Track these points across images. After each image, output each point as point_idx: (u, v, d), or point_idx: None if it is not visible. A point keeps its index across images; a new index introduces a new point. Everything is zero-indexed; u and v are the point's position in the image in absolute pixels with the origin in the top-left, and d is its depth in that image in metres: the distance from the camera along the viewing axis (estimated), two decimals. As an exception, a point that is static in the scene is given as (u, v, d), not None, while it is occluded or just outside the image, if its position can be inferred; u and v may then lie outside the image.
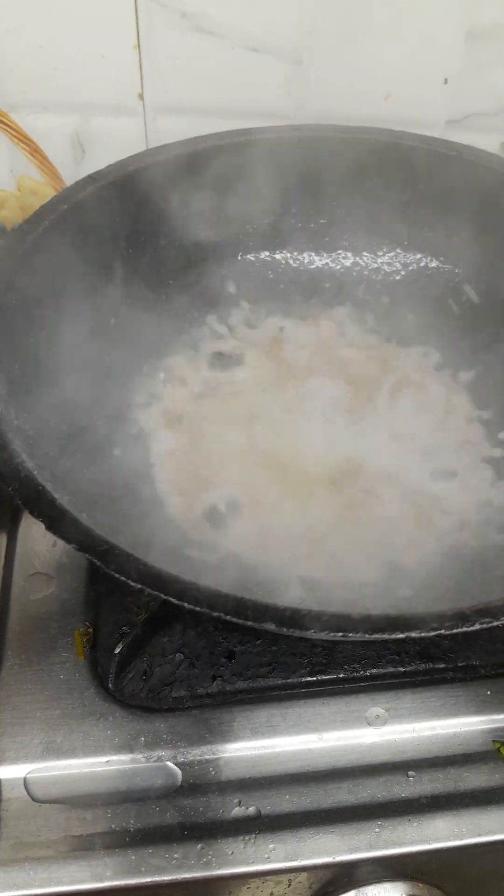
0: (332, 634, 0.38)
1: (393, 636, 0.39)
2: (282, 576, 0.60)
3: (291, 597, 0.58)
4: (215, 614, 0.39)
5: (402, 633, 0.39)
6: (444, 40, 0.73)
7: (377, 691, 0.59)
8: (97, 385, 0.63)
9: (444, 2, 0.70)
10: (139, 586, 0.40)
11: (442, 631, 0.39)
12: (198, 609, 0.39)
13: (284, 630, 0.38)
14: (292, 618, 0.39)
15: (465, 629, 0.39)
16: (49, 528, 0.43)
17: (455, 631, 0.39)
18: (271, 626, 0.38)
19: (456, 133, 0.78)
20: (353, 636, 0.38)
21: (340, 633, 0.38)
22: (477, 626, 0.39)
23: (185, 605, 0.39)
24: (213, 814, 0.54)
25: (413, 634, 0.38)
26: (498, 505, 0.64)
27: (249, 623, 0.38)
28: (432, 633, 0.38)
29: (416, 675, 0.60)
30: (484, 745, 0.58)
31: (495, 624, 0.39)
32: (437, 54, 0.74)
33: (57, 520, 0.44)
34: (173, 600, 0.39)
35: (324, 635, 0.38)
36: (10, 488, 0.45)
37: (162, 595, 0.40)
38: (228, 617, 0.39)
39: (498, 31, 0.72)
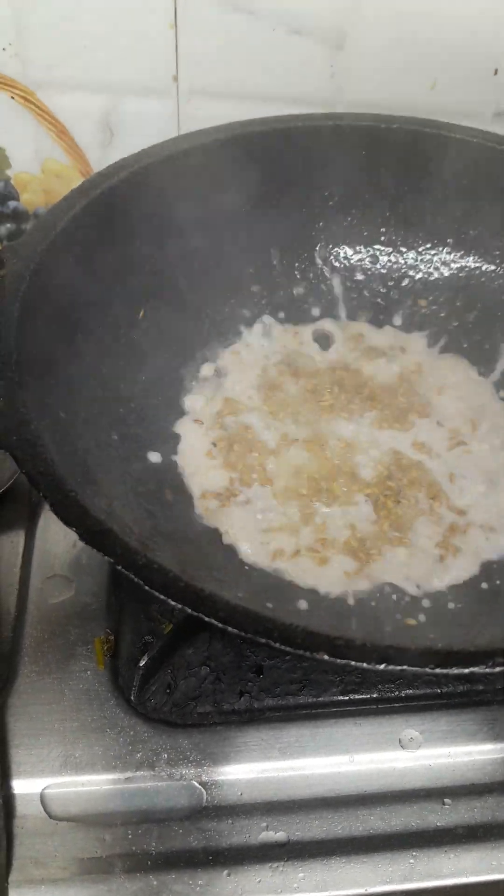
0: (389, 667, 0.35)
1: (453, 671, 0.36)
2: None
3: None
4: (262, 640, 0.36)
5: (466, 667, 0.36)
6: (496, 27, 0.69)
7: (412, 713, 0.57)
8: (133, 383, 0.60)
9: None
10: (180, 606, 0.37)
11: (507, 667, 0.36)
12: (244, 635, 0.36)
13: (338, 661, 0.35)
14: (346, 648, 0.36)
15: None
16: (83, 538, 0.40)
17: (522, 667, 0.36)
18: (323, 657, 0.35)
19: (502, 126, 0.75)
20: (411, 670, 0.36)
21: (399, 667, 0.35)
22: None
23: (231, 629, 0.36)
24: (239, 838, 0.51)
25: (477, 670, 0.36)
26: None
27: (301, 652, 0.36)
28: (498, 669, 0.36)
29: (453, 697, 0.57)
30: (524, 773, 0.55)
31: None
32: (488, 41, 0.70)
33: (91, 530, 0.41)
34: (217, 623, 0.36)
35: (380, 668, 0.35)
36: (40, 493, 0.42)
37: (205, 618, 0.37)
38: (278, 645, 0.36)
39: None
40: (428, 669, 0.35)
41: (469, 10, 0.69)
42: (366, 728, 0.56)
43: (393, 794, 0.54)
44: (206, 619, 0.37)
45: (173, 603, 0.37)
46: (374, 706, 0.56)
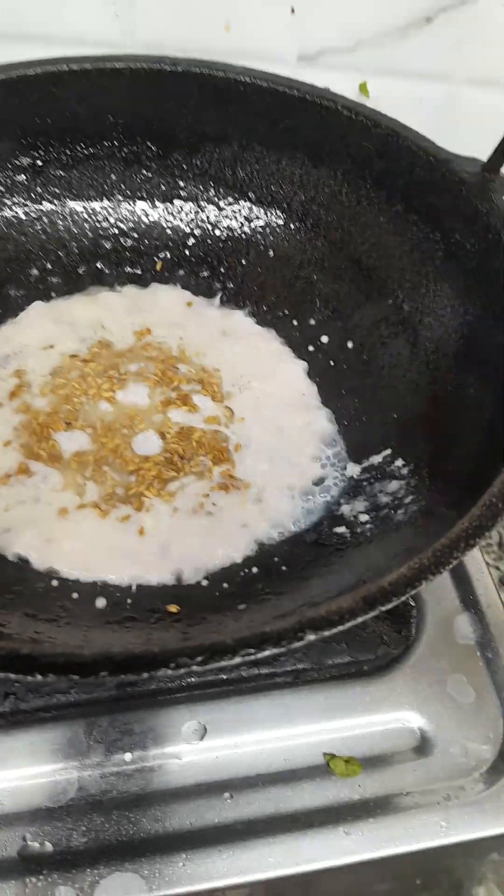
0: (61, 678, 0.31)
1: (137, 675, 0.32)
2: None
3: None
4: None
5: (147, 671, 0.32)
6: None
7: (196, 702, 0.53)
8: None
9: None
10: None
11: (195, 667, 0.32)
12: None
13: (-2, 673, 0.31)
14: (8, 659, 0.31)
15: (223, 663, 0.32)
16: None
17: (210, 666, 0.32)
18: (-20, 670, 0.31)
19: (309, 71, 0.70)
20: (87, 679, 0.31)
21: (73, 676, 0.31)
22: (237, 660, 0.32)
23: None
24: (-2, 852, 0.47)
25: (159, 673, 0.32)
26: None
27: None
28: (182, 671, 0.32)
29: (240, 683, 0.54)
30: (312, 759, 0.52)
31: (260, 656, 0.33)
32: (281, -23, 0.65)
33: None
34: None
35: (48, 680, 0.31)
36: None
37: None
38: None
39: None
40: (108, 676, 0.31)
41: None
42: (147, 722, 0.52)
43: (171, 792, 0.50)
44: None
45: None
46: (153, 698, 0.53)
